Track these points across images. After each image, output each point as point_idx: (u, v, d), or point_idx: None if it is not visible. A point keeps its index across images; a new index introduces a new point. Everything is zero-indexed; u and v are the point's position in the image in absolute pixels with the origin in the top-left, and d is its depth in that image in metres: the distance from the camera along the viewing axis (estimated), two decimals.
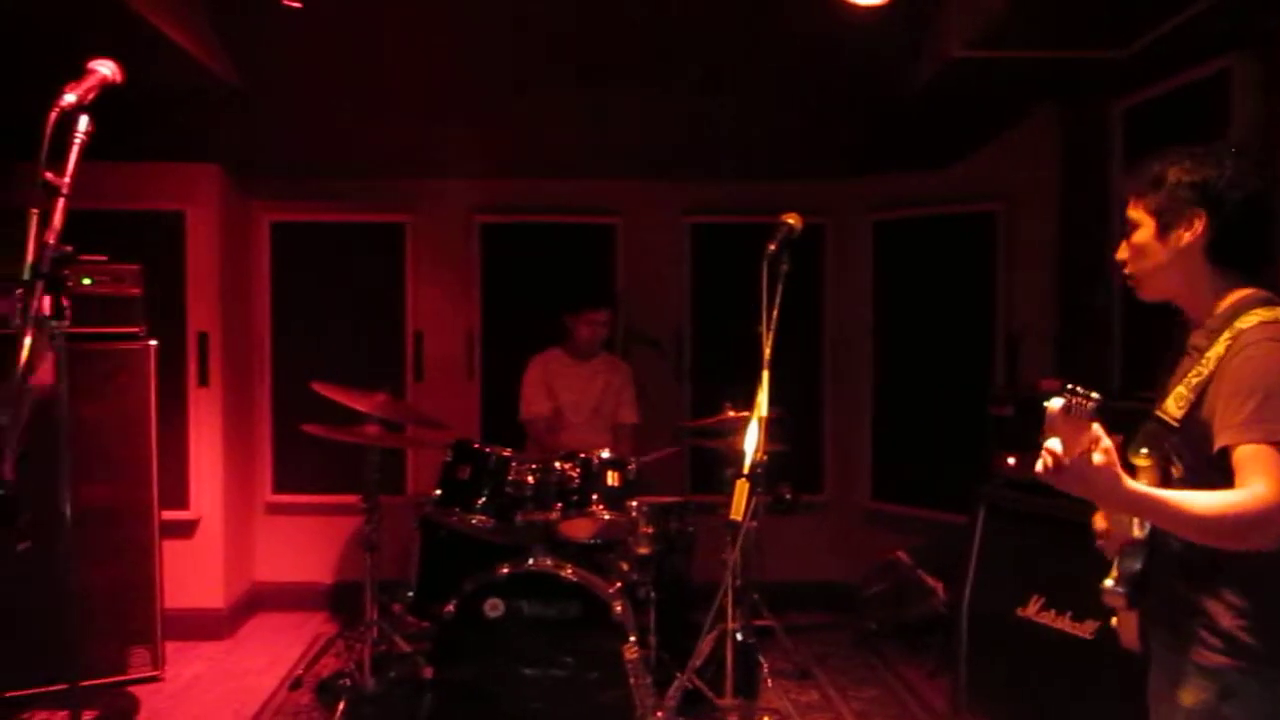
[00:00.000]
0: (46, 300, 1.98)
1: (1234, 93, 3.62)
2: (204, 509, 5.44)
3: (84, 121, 2.05)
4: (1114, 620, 2.15)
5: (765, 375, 2.97)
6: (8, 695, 4.29)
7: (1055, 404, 1.72)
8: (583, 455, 4.15)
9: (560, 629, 3.71)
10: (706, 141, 5.34)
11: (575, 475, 4.08)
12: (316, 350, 5.82)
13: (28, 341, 1.91)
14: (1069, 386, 1.72)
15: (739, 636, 4.03)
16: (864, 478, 5.99)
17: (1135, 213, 2.02)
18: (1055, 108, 4.94)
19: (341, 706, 4.26)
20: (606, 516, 4.05)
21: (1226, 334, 1.90)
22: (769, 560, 4.99)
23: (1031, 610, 3.68)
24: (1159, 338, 2.24)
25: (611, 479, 4.11)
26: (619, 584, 4.08)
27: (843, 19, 3.84)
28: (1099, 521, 2.14)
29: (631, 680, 3.62)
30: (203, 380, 5.41)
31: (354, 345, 5.89)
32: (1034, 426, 1.84)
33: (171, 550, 4.95)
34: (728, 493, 3.09)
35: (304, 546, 5.98)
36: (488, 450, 4.18)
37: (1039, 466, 1.81)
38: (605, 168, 5.82)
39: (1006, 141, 5.26)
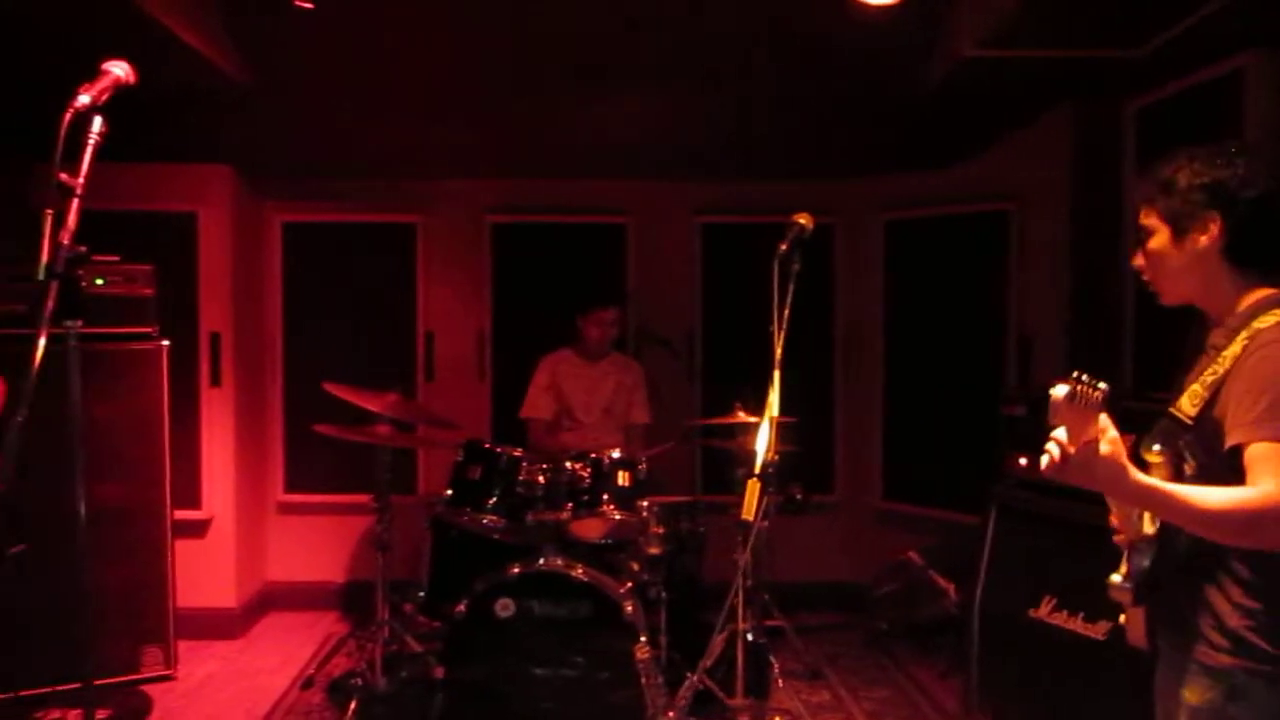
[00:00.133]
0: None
1: (1247, 92, 3.60)
2: (216, 508, 5.45)
3: (98, 122, 2.06)
4: (1121, 617, 2.15)
5: (776, 375, 2.96)
6: (23, 694, 4.31)
7: (1060, 391, 1.71)
8: (593, 455, 4.15)
9: (571, 629, 3.71)
10: (718, 141, 5.34)
11: (586, 475, 4.08)
12: (328, 350, 5.83)
13: (42, 341, 1.92)
14: (1075, 374, 1.71)
15: (750, 637, 4.03)
16: (875, 478, 5.98)
17: (1149, 220, 2.01)
18: (1067, 107, 4.92)
19: (353, 706, 4.27)
20: (617, 516, 4.06)
21: (1244, 333, 1.89)
22: (780, 560, 4.98)
23: (1044, 611, 3.66)
24: (1172, 338, 2.24)
25: (622, 479, 4.11)
26: (630, 584, 4.08)
27: (855, 18, 3.83)
28: (1116, 519, 2.13)
29: (643, 680, 3.62)
30: (215, 380, 5.42)
31: (365, 345, 5.90)
32: (1046, 426, 1.84)
33: (184, 550, 4.96)
34: (739, 492, 3.09)
35: (316, 546, 6.00)
36: (499, 450, 4.19)
37: (1044, 461, 1.82)
38: (616, 168, 5.83)
39: (1018, 141, 5.24)
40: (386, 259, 5.98)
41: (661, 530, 4.31)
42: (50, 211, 1.97)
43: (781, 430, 2.94)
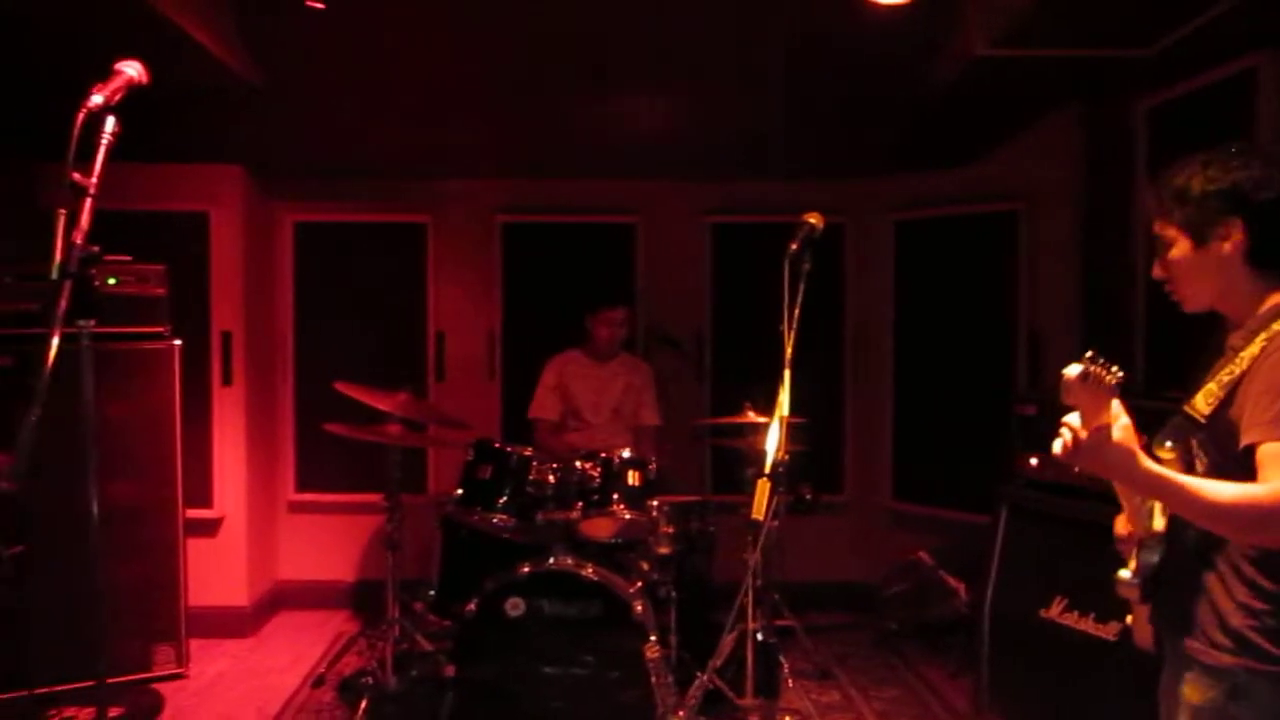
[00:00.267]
0: None
1: (1260, 92, 3.58)
2: (227, 507, 5.47)
3: (110, 122, 2.07)
4: (1129, 618, 2.15)
5: (787, 375, 2.96)
6: (36, 691, 4.33)
7: (1073, 371, 1.72)
8: (603, 455, 4.16)
9: (581, 628, 3.72)
10: (727, 141, 5.33)
11: (596, 475, 4.09)
12: (339, 350, 5.84)
13: (55, 341, 1.93)
14: (1089, 355, 1.72)
15: (760, 636, 4.02)
16: (885, 477, 5.97)
17: (1167, 230, 2.00)
18: (1077, 107, 4.91)
19: (363, 705, 4.28)
20: (627, 516, 4.06)
21: (1264, 335, 1.89)
22: (790, 560, 4.97)
23: (1054, 612, 3.66)
24: (1183, 338, 2.23)
25: (632, 478, 4.12)
26: (640, 583, 4.08)
27: (865, 18, 3.83)
28: (1119, 525, 2.14)
29: (652, 679, 3.63)
30: (226, 380, 5.44)
31: (376, 345, 5.92)
32: (1057, 427, 1.84)
33: (195, 548, 4.98)
34: (748, 492, 3.09)
35: (326, 545, 6.01)
36: (509, 450, 4.20)
37: (1057, 446, 1.83)
38: (626, 167, 5.83)
39: (1028, 140, 5.23)
40: (397, 259, 5.99)
41: (671, 530, 4.31)
42: (63, 211, 1.98)
43: (791, 430, 2.94)
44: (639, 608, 3.77)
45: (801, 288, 2.98)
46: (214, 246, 5.42)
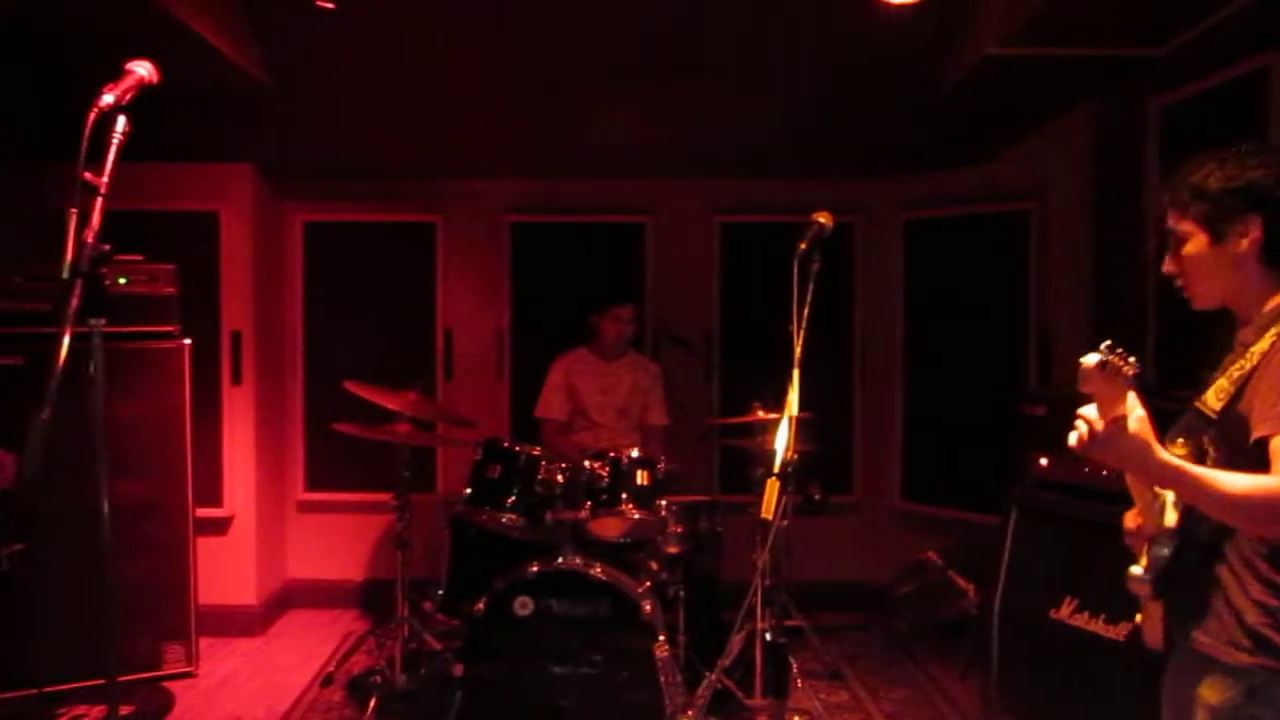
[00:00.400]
0: None
1: (1271, 91, 3.56)
2: (237, 506, 5.49)
3: (121, 122, 2.07)
4: (1138, 618, 2.14)
5: (796, 374, 2.95)
6: (46, 690, 4.35)
7: (1091, 360, 1.71)
8: (612, 454, 4.15)
9: (590, 627, 3.72)
10: (737, 140, 5.33)
11: (604, 474, 4.09)
12: (348, 349, 5.85)
13: (66, 340, 1.93)
14: (1107, 344, 1.71)
15: (768, 636, 4.03)
16: (894, 478, 5.96)
17: (1183, 225, 2.01)
18: (1089, 106, 4.89)
19: (372, 703, 4.28)
20: (636, 515, 4.06)
21: (1274, 330, 1.89)
22: (799, 560, 4.97)
23: (1064, 612, 3.64)
24: (1194, 337, 2.23)
25: (641, 478, 4.11)
26: (648, 583, 4.08)
27: (876, 17, 3.83)
28: (1129, 519, 2.13)
29: (661, 679, 3.63)
30: (236, 379, 5.46)
31: (385, 344, 5.92)
32: (1067, 427, 1.84)
33: (205, 547, 4.99)
34: (757, 492, 3.08)
35: (335, 544, 6.03)
36: (517, 449, 4.20)
37: (1072, 438, 1.82)
38: (635, 167, 5.82)
39: (1040, 139, 5.22)
40: (406, 258, 6.00)
41: (680, 529, 4.32)
42: (74, 210, 1.98)
43: (800, 429, 2.93)
44: (648, 607, 3.77)
45: (811, 287, 2.97)
46: (224, 246, 5.44)
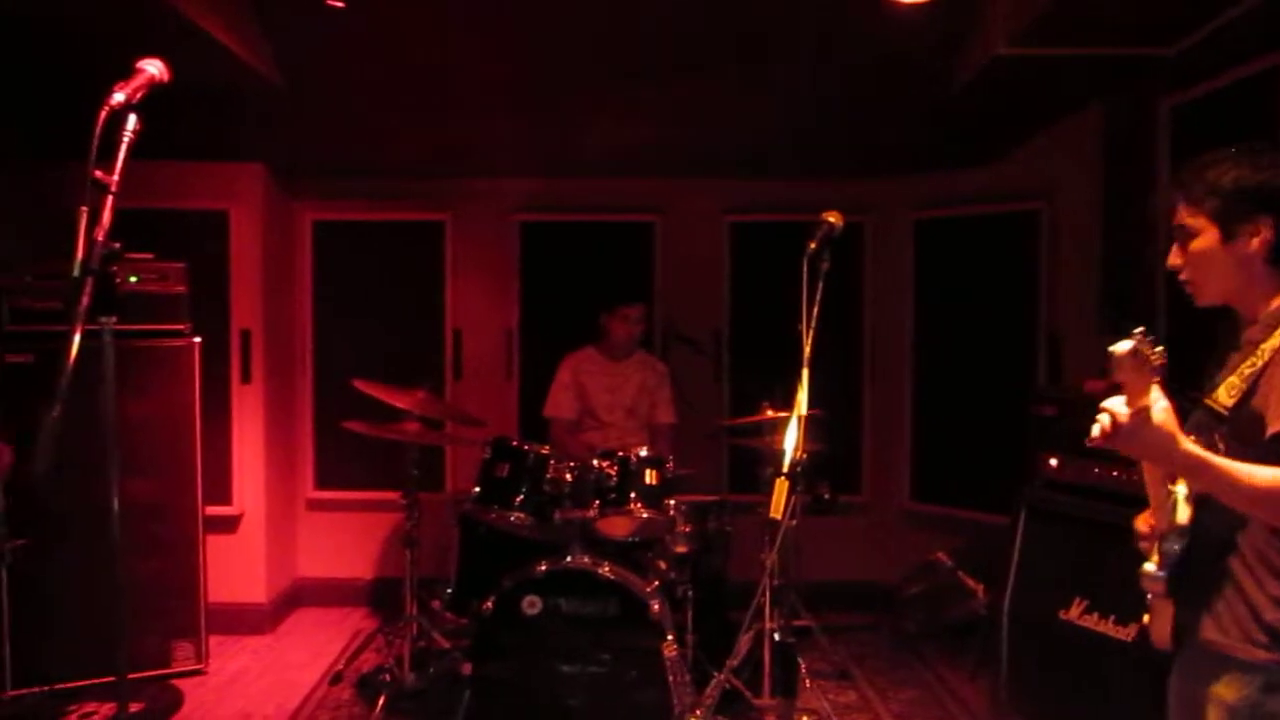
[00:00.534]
0: None
1: None
2: (246, 504, 5.50)
3: (132, 120, 2.08)
4: (1145, 618, 2.13)
5: (805, 374, 2.95)
6: (56, 687, 4.37)
7: (1124, 346, 1.72)
8: (620, 453, 4.15)
9: (598, 627, 3.72)
10: (747, 140, 5.32)
11: (613, 473, 4.09)
12: (357, 348, 5.86)
13: (76, 338, 1.94)
14: (1139, 330, 1.72)
15: (777, 636, 4.02)
16: (903, 478, 5.95)
17: (1195, 220, 2.01)
18: (1099, 105, 4.87)
19: (381, 701, 4.29)
20: (644, 515, 4.06)
21: None
22: (807, 560, 4.96)
23: (1074, 613, 3.63)
24: (1204, 337, 2.22)
25: (649, 477, 4.11)
26: (656, 582, 4.08)
27: (885, 16, 3.82)
28: (1142, 523, 2.12)
29: (669, 678, 3.62)
30: (245, 377, 5.47)
31: (394, 343, 5.93)
32: (1077, 427, 1.84)
33: (215, 545, 5.01)
34: (765, 491, 3.08)
35: (344, 542, 6.04)
36: (526, 448, 4.20)
37: (1095, 430, 1.83)
38: (645, 166, 5.82)
39: (1050, 139, 5.20)
40: (415, 257, 6.01)
41: (688, 529, 4.32)
42: (85, 209, 1.99)
43: (810, 428, 2.93)
44: (656, 606, 3.77)
45: (820, 287, 2.96)
46: (234, 244, 5.45)
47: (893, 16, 3.81)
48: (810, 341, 2.95)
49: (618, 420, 5.21)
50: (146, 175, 2.70)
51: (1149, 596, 2.09)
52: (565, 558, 3.83)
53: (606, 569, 3.79)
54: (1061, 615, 3.67)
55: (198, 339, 4.81)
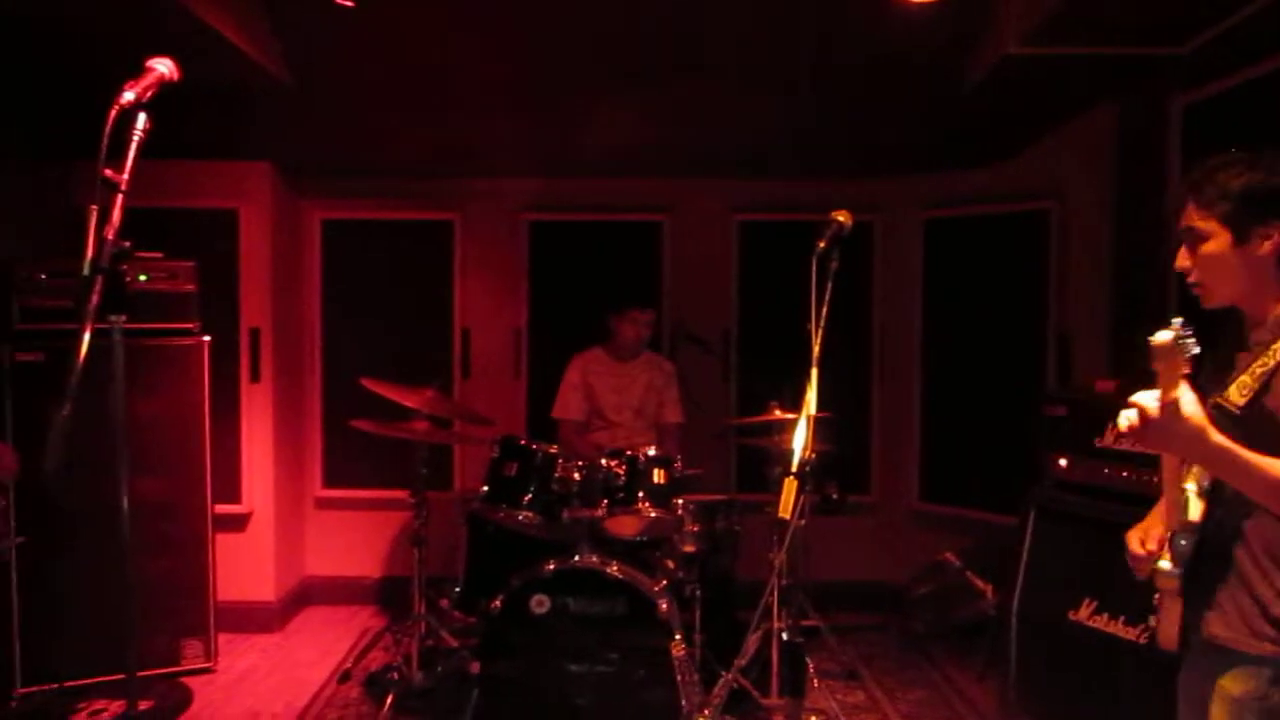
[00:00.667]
0: None
1: None
2: (255, 503, 5.51)
3: (142, 119, 2.08)
4: (1152, 619, 2.13)
5: (814, 373, 2.94)
6: (66, 685, 4.38)
7: (1164, 336, 1.73)
8: (629, 453, 4.15)
9: (606, 626, 3.72)
10: (756, 139, 5.31)
11: (621, 472, 4.08)
12: (366, 346, 5.87)
13: (86, 336, 1.94)
14: (1179, 320, 1.73)
15: (785, 636, 4.02)
16: (912, 478, 5.94)
17: (1206, 224, 2.02)
18: (1111, 104, 4.86)
19: (389, 700, 4.29)
20: (652, 514, 4.05)
21: None
22: (816, 560, 4.96)
23: (1083, 614, 3.62)
24: (1215, 340, 2.22)
25: (657, 476, 4.11)
26: (665, 581, 4.08)
27: (894, 16, 3.81)
28: (1134, 543, 2.13)
29: (678, 678, 3.62)
30: (255, 376, 5.48)
31: (402, 342, 5.94)
32: (1087, 427, 1.84)
33: (224, 544, 5.02)
34: (774, 491, 3.07)
35: (353, 541, 6.05)
36: (534, 447, 4.20)
37: (1123, 423, 1.83)
38: (654, 166, 5.82)
39: (1061, 138, 5.19)
40: (424, 256, 6.01)
41: (696, 528, 4.31)
42: (95, 207, 1.99)
43: (818, 429, 2.92)
44: (664, 606, 3.77)
45: (829, 286, 2.96)
46: (243, 243, 5.46)
47: (902, 15, 3.80)
48: (819, 341, 2.94)
49: (626, 420, 5.20)
50: (156, 174, 2.71)
51: (1156, 597, 2.09)
52: (573, 557, 3.83)
53: (614, 568, 3.79)
54: (1071, 616, 3.66)
55: (207, 338, 4.83)
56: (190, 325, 4.80)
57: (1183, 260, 2.07)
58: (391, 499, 5.64)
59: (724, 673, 4.13)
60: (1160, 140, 4.38)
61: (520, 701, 3.67)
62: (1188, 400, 1.77)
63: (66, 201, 5.18)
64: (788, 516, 2.83)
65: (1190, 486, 2.02)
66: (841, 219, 3.07)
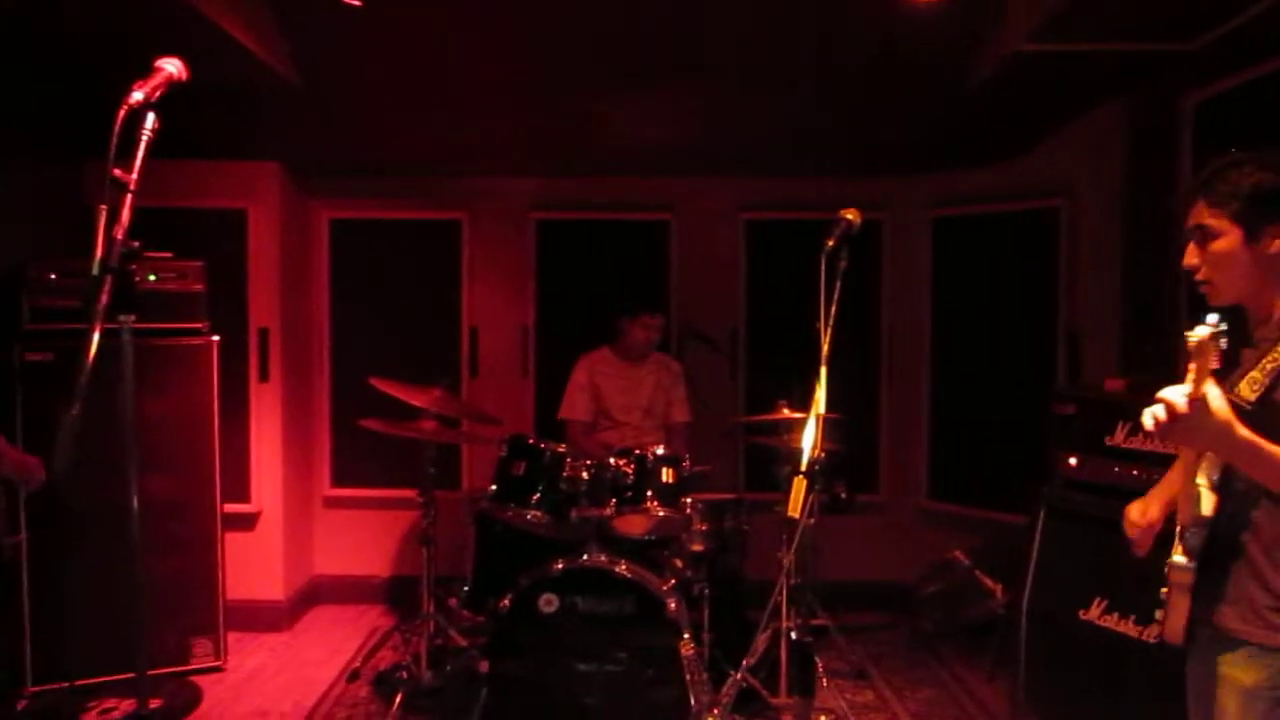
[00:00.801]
0: None
1: None
2: (264, 502, 5.52)
3: (151, 119, 2.09)
4: (1159, 613, 2.13)
5: (823, 372, 2.94)
6: (76, 684, 4.40)
7: (1203, 331, 1.75)
8: (637, 452, 4.15)
9: (615, 625, 3.71)
10: (764, 138, 5.31)
11: (630, 472, 4.08)
12: (374, 346, 5.88)
13: (95, 336, 1.95)
14: (1213, 316, 1.75)
15: (794, 635, 4.01)
16: (921, 477, 5.93)
17: (1217, 222, 2.03)
18: (1120, 101, 4.84)
19: (398, 699, 4.30)
20: (660, 513, 4.05)
21: None
22: (824, 559, 4.95)
23: (1094, 613, 3.61)
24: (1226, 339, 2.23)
25: (666, 476, 4.10)
26: (673, 581, 4.07)
27: (902, 13, 3.80)
28: (1135, 512, 2.15)
29: (686, 677, 3.62)
30: (263, 376, 5.49)
31: (410, 341, 5.94)
32: (1096, 425, 1.85)
33: (233, 543, 5.03)
34: (782, 490, 3.07)
35: (362, 540, 6.05)
36: (542, 446, 4.20)
37: (1148, 420, 1.85)
38: (661, 164, 5.81)
39: (1070, 135, 5.17)
40: (432, 255, 6.01)
41: (705, 527, 4.31)
42: (104, 207, 1.99)
43: (827, 428, 2.92)
44: (672, 605, 3.77)
45: (838, 285, 2.95)
46: (251, 243, 5.46)
47: (907, 12, 3.79)
48: (828, 340, 2.93)
49: (634, 420, 5.20)
50: (165, 174, 2.71)
51: (1164, 590, 2.10)
52: (582, 556, 3.83)
53: (623, 567, 3.79)
54: (1081, 615, 3.65)
55: (216, 337, 4.83)
56: (199, 325, 4.81)
57: (1191, 258, 2.09)
58: (400, 498, 5.65)
59: (733, 672, 4.13)
60: (1171, 138, 4.36)
61: (529, 700, 3.67)
62: (1215, 395, 1.78)
63: (76, 201, 5.20)
64: (797, 515, 2.82)
65: (1201, 481, 2.03)
66: (850, 217, 3.06)
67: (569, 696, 3.65)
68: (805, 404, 3.01)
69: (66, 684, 4.39)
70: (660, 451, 4.16)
